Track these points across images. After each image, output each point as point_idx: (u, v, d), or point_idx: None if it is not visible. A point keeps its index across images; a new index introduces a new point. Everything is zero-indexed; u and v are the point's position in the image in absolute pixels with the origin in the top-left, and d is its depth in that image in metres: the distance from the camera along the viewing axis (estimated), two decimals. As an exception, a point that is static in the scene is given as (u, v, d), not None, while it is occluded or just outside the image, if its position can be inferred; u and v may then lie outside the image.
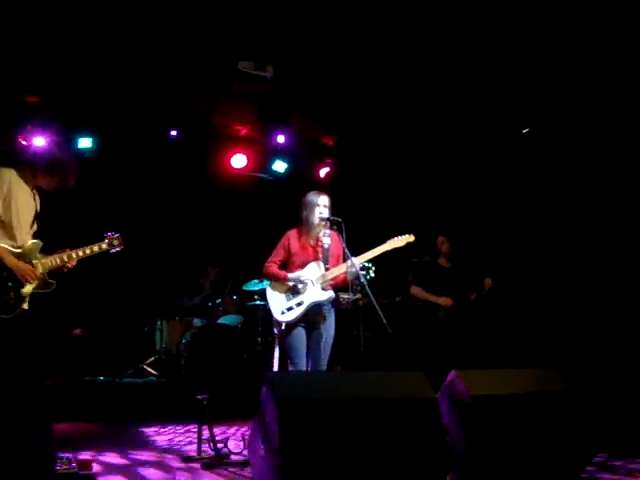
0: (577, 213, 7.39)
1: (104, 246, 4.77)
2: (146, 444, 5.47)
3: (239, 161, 9.41)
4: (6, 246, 4.23)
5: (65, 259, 4.53)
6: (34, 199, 4.54)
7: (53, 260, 4.49)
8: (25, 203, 4.41)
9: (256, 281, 8.01)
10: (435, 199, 9.21)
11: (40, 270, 4.38)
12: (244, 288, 8.35)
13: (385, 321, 4.78)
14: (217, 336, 7.97)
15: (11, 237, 4.29)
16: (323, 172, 9.79)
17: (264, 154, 9.53)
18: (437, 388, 3.89)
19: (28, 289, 4.30)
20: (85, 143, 8.48)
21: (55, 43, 6.77)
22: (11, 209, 4.26)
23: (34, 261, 4.36)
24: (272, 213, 8.79)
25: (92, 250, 4.69)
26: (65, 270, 4.59)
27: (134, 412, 6.64)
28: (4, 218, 4.25)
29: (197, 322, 8.46)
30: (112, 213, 8.52)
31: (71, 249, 4.61)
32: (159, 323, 8.47)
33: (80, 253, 4.61)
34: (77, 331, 8.26)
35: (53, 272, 4.53)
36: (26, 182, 4.45)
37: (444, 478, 3.60)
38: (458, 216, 8.56)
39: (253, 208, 9.81)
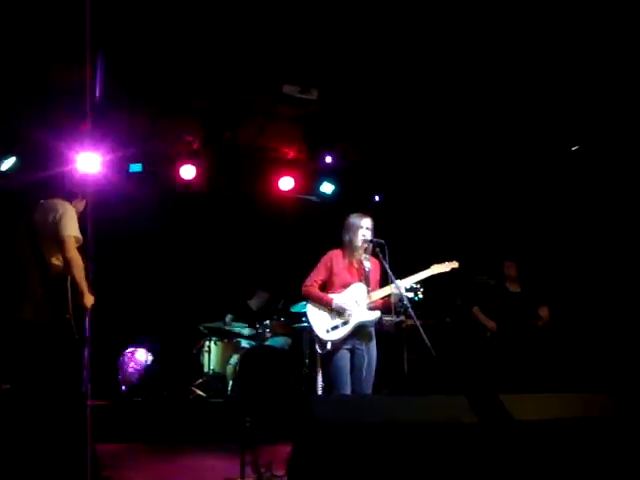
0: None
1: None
2: (191, 465, 5.49)
3: (286, 184, 9.50)
4: None
5: None
6: None
7: None
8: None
9: (304, 303, 7.99)
10: (490, 221, 9.10)
11: None
12: (292, 310, 8.37)
13: (429, 343, 4.72)
14: (265, 358, 7.98)
15: None
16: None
17: (311, 176, 9.59)
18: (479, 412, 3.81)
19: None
20: (136, 168, 8.71)
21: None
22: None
23: None
24: (319, 234, 8.81)
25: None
26: None
27: (180, 433, 6.68)
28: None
29: (245, 344, 8.48)
30: (166, 236, 8.69)
31: None
32: (207, 345, 8.51)
33: None
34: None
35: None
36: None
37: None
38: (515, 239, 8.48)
39: (300, 229, 9.85)
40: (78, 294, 4.47)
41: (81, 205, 4.90)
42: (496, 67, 6.69)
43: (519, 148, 8.30)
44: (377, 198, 9.95)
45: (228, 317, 8.86)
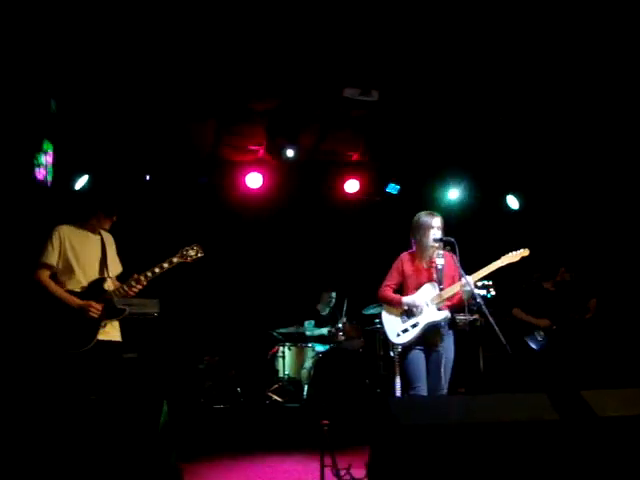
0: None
1: (175, 260, 4.94)
2: (268, 471, 5.53)
3: (352, 186, 9.54)
4: (70, 289, 4.72)
5: (132, 284, 4.82)
6: (100, 242, 4.97)
7: (120, 289, 4.81)
8: (84, 249, 4.87)
9: (375, 305, 8.00)
10: (549, 217, 8.95)
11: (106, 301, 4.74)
12: (364, 312, 8.38)
13: (504, 341, 4.64)
14: (339, 361, 8.00)
15: (71, 279, 4.76)
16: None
17: (375, 177, 9.59)
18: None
19: (98, 321, 4.68)
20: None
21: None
22: (68, 259, 4.78)
23: (101, 295, 4.76)
24: (388, 236, 8.80)
25: (162, 267, 4.89)
26: (132, 294, 4.86)
27: (259, 439, 6.74)
28: (62, 267, 4.76)
29: (319, 348, 8.52)
30: (237, 245, 8.84)
31: (138, 273, 4.87)
32: (281, 350, 8.59)
33: (149, 274, 4.86)
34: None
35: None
36: (86, 229, 4.96)
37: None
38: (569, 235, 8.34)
39: (370, 232, 9.86)
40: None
41: (102, 223, 5.02)
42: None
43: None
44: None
45: (307, 323, 8.94)
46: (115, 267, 5.08)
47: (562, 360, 6.74)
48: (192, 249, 5.01)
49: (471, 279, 5.09)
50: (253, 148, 8.93)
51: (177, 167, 8.70)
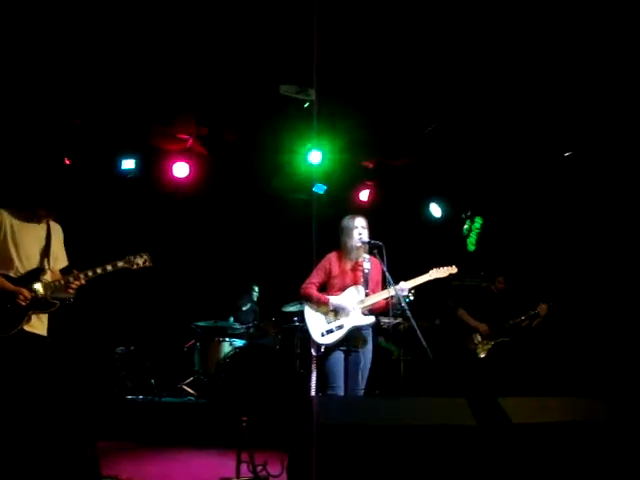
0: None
1: (120, 264, 4.83)
2: (185, 465, 5.49)
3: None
4: (3, 272, 4.55)
5: (70, 280, 4.67)
6: (46, 232, 4.79)
7: (56, 282, 4.66)
8: (25, 238, 4.69)
9: (295, 302, 8.02)
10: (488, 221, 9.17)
11: (40, 292, 4.57)
12: (283, 309, 8.38)
13: (426, 345, 4.75)
14: (255, 357, 7.99)
15: (9, 267, 4.57)
16: (364, 195, 9.86)
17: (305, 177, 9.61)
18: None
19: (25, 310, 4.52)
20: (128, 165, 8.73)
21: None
22: (7, 244, 4.60)
23: (35, 285, 4.58)
24: (312, 235, 8.81)
25: (105, 269, 4.77)
26: (70, 290, 4.71)
27: (173, 432, 6.67)
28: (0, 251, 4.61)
29: (237, 343, 8.48)
30: (152, 233, 8.69)
31: (79, 270, 4.73)
32: (198, 344, 8.51)
33: (90, 273, 4.73)
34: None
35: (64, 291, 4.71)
36: (31, 216, 4.75)
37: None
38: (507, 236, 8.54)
39: (293, 230, 9.85)
40: None
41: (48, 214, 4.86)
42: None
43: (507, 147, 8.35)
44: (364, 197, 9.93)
45: (230, 318, 8.89)
46: (59, 260, 4.90)
47: (486, 366, 6.86)
48: (140, 257, 4.88)
49: (399, 286, 5.17)
50: (183, 137, 8.81)
51: (103, 154, 8.50)
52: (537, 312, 7.02)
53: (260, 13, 6.01)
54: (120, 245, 5.12)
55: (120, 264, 4.81)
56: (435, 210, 9.70)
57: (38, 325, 4.67)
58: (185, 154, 8.95)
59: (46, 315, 4.75)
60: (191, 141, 8.81)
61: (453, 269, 5.46)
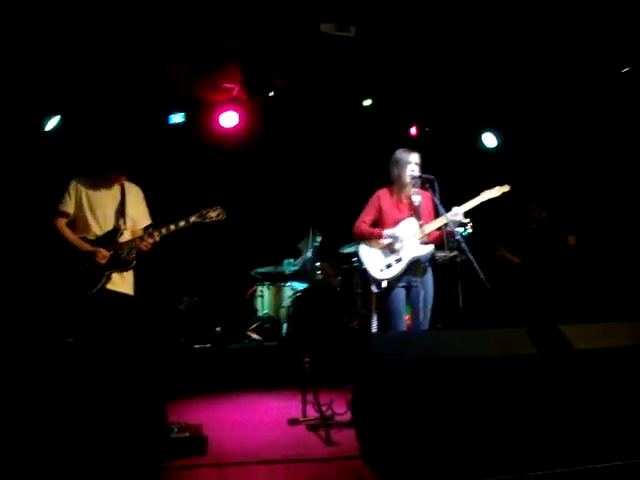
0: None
1: (192, 219, 4.91)
2: (251, 408, 5.62)
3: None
4: (83, 236, 4.83)
5: (145, 237, 4.84)
6: (120, 194, 4.98)
7: (131, 241, 4.85)
8: (99, 201, 4.92)
9: (352, 243, 8.00)
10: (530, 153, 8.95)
11: (118, 251, 4.80)
12: (340, 251, 8.38)
13: (483, 277, 4.69)
14: (317, 299, 8.05)
15: (88, 231, 4.84)
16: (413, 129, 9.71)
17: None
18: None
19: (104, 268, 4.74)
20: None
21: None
22: (83, 209, 4.86)
23: (112, 245, 4.80)
24: (365, 174, 8.74)
25: (177, 225, 4.88)
26: (144, 248, 4.85)
27: (240, 378, 6.81)
28: (78, 216, 4.87)
29: (297, 286, 8.55)
30: (213, 185, 8.77)
31: (154, 228, 4.90)
32: (260, 289, 8.61)
33: (164, 230, 4.85)
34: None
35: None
36: (103, 181, 4.98)
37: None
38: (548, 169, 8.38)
39: (347, 171, 9.79)
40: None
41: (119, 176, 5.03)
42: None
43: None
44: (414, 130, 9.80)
45: (286, 261, 8.94)
46: (140, 219, 5.08)
47: (540, 296, 6.91)
48: (214, 210, 4.99)
49: (460, 209, 5.11)
50: (228, 86, 8.76)
51: (152, 108, 8.52)
52: (567, 243, 7.25)
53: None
54: (181, 201, 5.20)
55: (193, 219, 4.91)
56: (489, 140, 9.47)
57: (121, 284, 4.84)
58: (231, 103, 8.92)
59: (131, 274, 4.94)
60: (237, 90, 8.74)
61: (505, 187, 5.34)
